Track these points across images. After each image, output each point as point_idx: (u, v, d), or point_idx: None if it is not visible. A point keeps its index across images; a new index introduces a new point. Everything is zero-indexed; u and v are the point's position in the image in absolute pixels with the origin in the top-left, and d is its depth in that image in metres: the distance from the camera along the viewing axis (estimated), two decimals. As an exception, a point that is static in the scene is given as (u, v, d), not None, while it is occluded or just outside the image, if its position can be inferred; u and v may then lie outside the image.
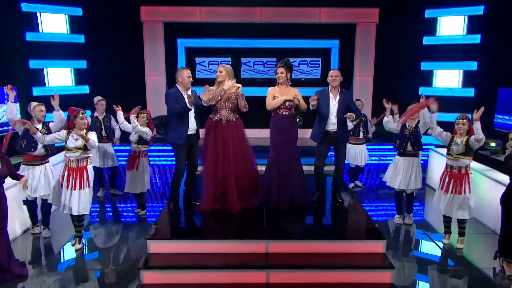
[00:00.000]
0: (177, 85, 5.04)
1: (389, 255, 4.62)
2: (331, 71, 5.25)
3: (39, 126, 5.23)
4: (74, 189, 4.79)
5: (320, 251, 4.46)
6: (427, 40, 8.82)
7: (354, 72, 9.14)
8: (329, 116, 5.19)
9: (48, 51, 8.10)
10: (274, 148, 5.19)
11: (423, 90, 8.61)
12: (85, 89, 8.74)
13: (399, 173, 5.72)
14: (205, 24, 8.95)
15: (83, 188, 4.82)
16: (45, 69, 8.26)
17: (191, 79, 5.01)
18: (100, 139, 6.51)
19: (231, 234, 4.66)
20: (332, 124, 5.23)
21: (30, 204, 5.43)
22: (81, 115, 4.81)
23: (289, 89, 5.15)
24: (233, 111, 5.08)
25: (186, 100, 4.89)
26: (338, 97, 5.21)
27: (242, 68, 9.27)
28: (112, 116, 6.70)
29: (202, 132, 5.22)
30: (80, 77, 8.71)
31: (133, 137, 5.91)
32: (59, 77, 8.47)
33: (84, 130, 4.77)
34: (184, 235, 4.73)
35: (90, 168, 4.89)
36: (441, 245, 5.36)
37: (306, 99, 5.17)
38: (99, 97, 6.76)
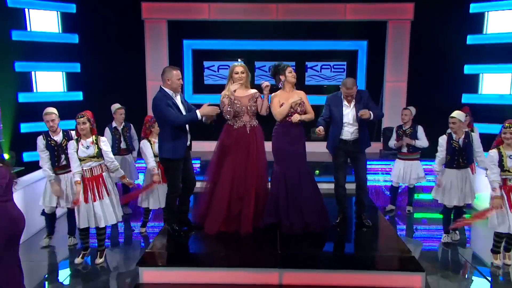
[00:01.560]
0: (163, 88, 4.82)
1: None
2: (345, 85, 5.13)
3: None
4: (94, 200, 4.90)
5: (343, 283, 4.32)
6: (472, 39, 8.61)
7: (385, 77, 9.06)
8: (344, 125, 5.19)
9: (37, 52, 8.09)
10: (279, 162, 5.11)
11: (467, 98, 8.41)
12: (78, 96, 8.73)
13: (453, 188, 5.59)
14: (214, 22, 8.96)
15: (103, 198, 4.92)
16: (33, 73, 8.26)
17: (182, 82, 4.87)
18: (119, 151, 6.60)
19: (238, 261, 4.52)
20: (348, 132, 5.22)
21: (51, 216, 5.65)
22: (78, 119, 4.85)
23: (295, 92, 5.13)
24: (254, 115, 5.07)
25: (201, 111, 4.75)
26: (353, 102, 5.19)
27: (256, 73, 9.24)
28: (131, 125, 6.78)
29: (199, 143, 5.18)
30: (72, 82, 8.70)
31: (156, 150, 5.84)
32: (49, 81, 8.45)
33: (93, 137, 4.88)
34: (183, 261, 4.62)
35: (106, 175, 5.03)
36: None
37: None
38: (117, 105, 6.74)
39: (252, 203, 4.98)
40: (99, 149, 4.90)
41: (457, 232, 5.88)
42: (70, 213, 5.54)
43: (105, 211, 4.98)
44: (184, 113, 4.83)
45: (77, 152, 4.86)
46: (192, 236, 5.16)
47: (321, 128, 5.06)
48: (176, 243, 5.01)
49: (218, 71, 9.37)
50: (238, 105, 4.97)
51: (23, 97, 7.99)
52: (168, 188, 5.03)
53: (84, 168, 4.88)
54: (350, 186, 5.63)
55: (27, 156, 7.72)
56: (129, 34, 8.81)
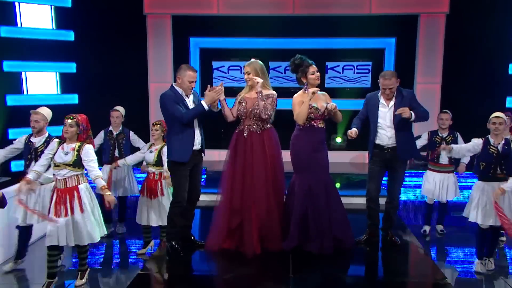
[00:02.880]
0: (174, 86, 4.86)
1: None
2: (383, 81, 5.00)
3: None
4: (65, 215, 4.58)
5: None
6: (518, 34, 8.45)
7: (416, 78, 8.95)
8: (382, 127, 5.07)
9: (28, 51, 8.08)
10: (302, 172, 4.97)
11: (512, 101, 8.19)
12: (74, 99, 8.70)
13: (489, 204, 5.18)
14: (223, 18, 8.94)
15: (73, 214, 4.60)
16: (23, 73, 8.24)
17: (194, 85, 4.82)
18: (112, 160, 6.39)
19: (244, 286, 4.37)
20: (387, 137, 5.07)
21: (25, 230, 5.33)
22: (65, 119, 4.65)
23: (319, 94, 5.02)
24: (260, 120, 4.95)
25: (204, 99, 4.68)
26: (392, 102, 5.04)
27: (270, 74, 9.00)
28: (131, 132, 6.56)
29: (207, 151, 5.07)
30: (67, 83, 8.67)
31: (150, 158, 5.72)
32: (41, 83, 8.41)
33: (77, 144, 4.63)
34: (182, 286, 4.50)
35: (83, 188, 4.69)
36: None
37: (353, 114, 5.17)
38: (116, 107, 6.58)
39: (253, 216, 4.84)
40: (78, 158, 4.62)
41: (491, 260, 5.45)
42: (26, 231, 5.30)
43: (77, 229, 4.63)
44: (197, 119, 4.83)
45: (54, 155, 4.64)
46: (194, 256, 5.03)
47: (353, 130, 4.96)
48: (174, 264, 4.86)
49: (228, 73, 9.33)
50: (243, 107, 4.91)
51: (12, 100, 7.94)
52: (173, 198, 4.92)
53: (58, 178, 4.62)
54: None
55: (15, 166, 7.63)
56: (129, 31, 8.77)
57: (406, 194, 7.29)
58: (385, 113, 5.03)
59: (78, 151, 4.60)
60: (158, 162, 5.57)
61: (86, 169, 4.64)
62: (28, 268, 5.34)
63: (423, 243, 6.25)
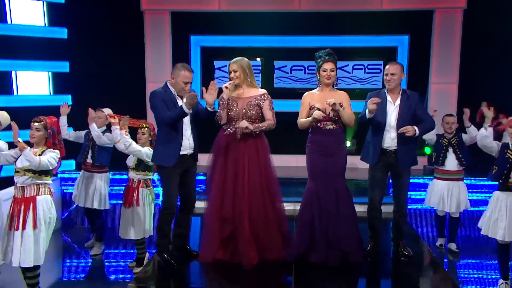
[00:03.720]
0: (168, 85, 4.77)
1: None
2: (387, 67, 4.97)
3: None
4: (16, 229, 4.32)
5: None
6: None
7: (430, 78, 8.80)
8: (385, 128, 4.92)
9: (19, 49, 7.97)
10: (312, 177, 4.90)
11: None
12: (67, 100, 8.19)
13: (501, 218, 4.89)
14: (226, 14, 8.84)
15: (24, 229, 4.31)
16: (13, 73, 8.13)
17: (189, 87, 4.70)
18: (83, 162, 6.26)
19: None
20: (390, 139, 4.94)
21: None
22: (32, 123, 4.49)
23: (334, 93, 4.90)
24: (254, 121, 4.85)
25: (184, 102, 4.52)
26: (398, 101, 4.95)
27: (275, 74, 9.12)
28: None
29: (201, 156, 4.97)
30: (60, 83, 8.55)
31: (130, 161, 5.56)
32: (33, 83, 8.30)
33: (42, 148, 4.45)
34: None
35: (42, 200, 4.43)
36: None
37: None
38: (102, 108, 6.40)
39: (245, 225, 4.74)
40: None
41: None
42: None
43: (24, 248, 4.33)
44: (188, 117, 4.69)
45: (16, 159, 4.43)
46: (187, 268, 4.93)
47: (375, 99, 4.72)
48: (166, 277, 4.76)
49: (231, 73, 9.07)
50: (234, 108, 4.80)
51: (1, 101, 7.75)
52: (162, 204, 4.81)
53: (18, 185, 4.38)
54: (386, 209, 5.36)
55: (3, 171, 7.38)
56: (126, 28, 8.64)
57: (421, 203, 7.08)
58: (391, 111, 4.91)
59: (40, 155, 4.38)
60: (138, 166, 5.40)
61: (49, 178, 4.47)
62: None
63: (439, 256, 6.12)
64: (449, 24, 8.56)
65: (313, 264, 4.75)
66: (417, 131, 4.72)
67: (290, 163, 8.35)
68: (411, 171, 5.07)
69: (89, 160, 6.22)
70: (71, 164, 7.83)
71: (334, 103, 4.55)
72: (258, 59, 9.13)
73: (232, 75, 4.82)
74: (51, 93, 8.52)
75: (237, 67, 4.81)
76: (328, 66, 4.78)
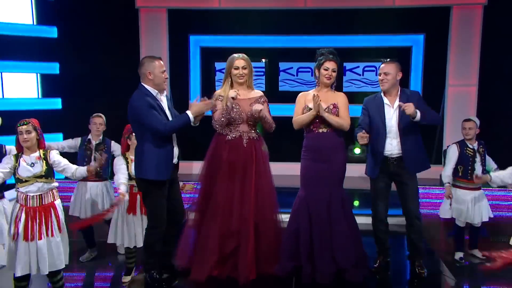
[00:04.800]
0: (144, 85, 4.41)
1: None
2: (381, 65, 4.76)
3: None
4: (40, 238, 4.39)
5: None
6: None
7: (447, 80, 8.66)
8: (386, 134, 4.71)
9: (5, 49, 7.87)
10: (303, 184, 4.78)
11: None
12: (56, 103, 8.49)
13: None
14: (227, 13, 8.79)
15: (53, 235, 4.44)
16: None
17: (167, 75, 4.42)
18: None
19: None
20: (391, 145, 4.72)
21: None
22: (20, 127, 4.36)
23: (332, 94, 4.77)
24: (255, 125, 4.78)
25: (191, 110, 4.29)
26: (397, 103, 4.71)
27: (280, 77, 9.00)
28: (113, 143, 6.19)
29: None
30: (49, 86, 8.48)
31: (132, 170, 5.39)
32: (20, 85, 8.19)
33: (41, 151, 4.42)
34: None
35: (59, 204, 4.56)
36: None
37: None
38: (98, 114, 6.24)
39: (251, 239, 4.61)
40: (48, 166, 4.41)
41: None
42: None
43: (51, 253, 4.42)
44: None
45: (17, 170, 4.37)
46: (177, 286, 4.71)
47: (363, 133, 4.60)
48: None
49: None
50: (237, 110, 4.60)
51: (-15, 104, 7.70)
52: (148, 222, 4.56)
53: (30, 195, 4.37)
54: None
55: None
56: (120, 26, 8.59)
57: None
58: (391, 115, 4.70)
59: (45, 158, 4.43)
60: None
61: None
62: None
63: (457, 276, 5.65)
64: (467, 21, 8.45)
65: (320, 282, 4.58)
66: (418, 114, 4.43)
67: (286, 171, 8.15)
68: (417, 179, 4.84)
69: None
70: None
71: (313, 95, 4.41)
72: (263, 60, 9.03)
73: (240, 71, 4.61)
74: (40, 96, 8.42)
75: (246, 64, 4.64)
76: (331, 65, 4.60)
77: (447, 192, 5.58)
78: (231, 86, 4.66)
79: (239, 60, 4.62)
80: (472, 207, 5.88)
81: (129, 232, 5.21)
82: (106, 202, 6.14)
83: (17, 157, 4.42)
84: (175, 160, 4.53)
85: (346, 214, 4.73)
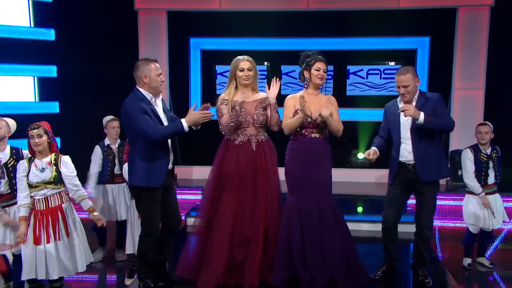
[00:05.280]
0: (138, 88, 4.38)
1: None
2: (396, 77, 4.61)
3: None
4: (48, 242, 4.44)
5: None
6: None
7: (453, 83, 8.60)
8: (400, 139, 4.64)
9: (1, 52, 7.86)
10: (292, 190, 4.64)
11: None
12: (54, 107, 8.44)
13: None
14: (227, 14, 8.72)
15: (59, 239, 4.48)
16: None
17: (163, 78, 4.38)
18: (113, 178, 6.15)
19: None
20: (407, 152, 4.62)
21: None
22: (31, 130, 4.42)
23: (322, 97, 4.67)
24: (262, 127, 4.71)
25: (187, 119, 4.23)
26: (412, 106, 4.55)
27: (283, 80, 8.87)
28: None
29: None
30: (47, 89, 8.44)
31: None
32: (16, 88, 8.15)
33: (52, 156, 4.46)
34: None
35: (68, 206, 4.62)
36: None
37: (379, 126, 4.86)
38: (109, 117, 6.32)
39: (259, 247, 4.55)
40: (58, 173, 4.43)
41: None
42: (17, 261, 4.97)
43: (60, 258, 4.49)
44: (166, 124, 4.42)
45: (27, 175, 4.40)
46: None
47: (371, 151, 4.64)
48: None
49: None
50: (244, 113, 4.52)
51: (-19, 108, 7.60)
52: (141, 229, 4.48)
53: (37, 198, 4.42)
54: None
55: None
56: (118, 29, 8.53)
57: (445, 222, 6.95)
58: (405, 121, 4.61)
59: (56, 164, 4.48)
60: None
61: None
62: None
63: (462, 285, 5.72)
64: (474, 23, 8.38)
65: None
66: (422, 116, 4.30)
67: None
68: (439, 187, 4.73)
69: (117, 172, 6.16)
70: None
71: (300, 97, 4.33)
72: (266, 63, 8.97)
73: (246, 73, 4.54)
74: (37, 99, 8.37)
75: (252, 66, 4.58)
76: (321, 65, 4.51)
77: (485, 201, 5.55)
78: (236, 88, 4.61)
79: (245, 61, 4.57)
80: (488, 212, 5.86)
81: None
82: (128, 203, 6.17)
83: (30, 161, 4.48)
84: (170, 166, 4.47)
85: (339, 222, 4.65)
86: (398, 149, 4.66)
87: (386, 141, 4.83)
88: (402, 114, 4.55)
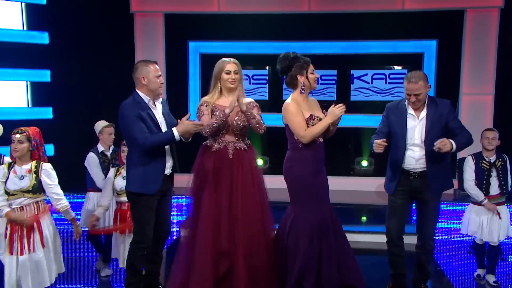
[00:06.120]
0: (138, 92, 4.40)
1: None
2: (407, 85, 4.49)
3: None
4: (21, 253, 4.35)
5: None
6: None
7: (461, 88, 8.53)
8: (406, 146, 4.52)
9: None
10: (305, 201, 4.48)
11: None
12: (47, 113, 8.36)
13: None
14: (227, 18, 8.70)
15: (33, 251, 4.38)
16: None
17: (162, 81, 4.42)
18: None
19: None
20: (414, 159, 4.51)
21: None
22: (13, 135, 4.32)
23: (313, 100, 4.72)
24: (243, 134, 4.59)
25: (178, 128, 4.21)
26: (423, 113, 4.54)
27: (284, 85, 8.70)
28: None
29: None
30: (40, 94, 8.37)
31: (119, 185, 5.37)
32: (8, 93, 8.08)
33: (33, 163, 4.36)
34: None
35: (46, 217, 4.52)
36: None
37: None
38: (102, 122, 6.24)
39: (240, 260, 4.40)
40: (38, 181, 4.32)
41: None
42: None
43: (35, 270, 4.38)
44: (165, 129, 4.36)
45: (6, 182, 4.31)
46: None
47: (383, 139, 4.42)
48: None
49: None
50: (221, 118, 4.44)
51: (-29, 113, 7.53)
52: (133, 236, 4.44)
53: (13, 206, 4.32)
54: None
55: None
56: (114, 32, 8.52)
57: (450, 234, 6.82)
58: (414, 126, 4.51)
59: (36, 172, 4.38)
60: None
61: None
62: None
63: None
64: (483, 26, 8.32)
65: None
66: (454, 145, 4.25)
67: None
68: (441, 197, 4.64)
69: None
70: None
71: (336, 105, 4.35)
72: (267, 68, 8.96)
73: (232, 76, 4.43)
74: (30, 105, 8.30)
75: (238, 69, 4.48)
76: (313, 68, 4.51)
77: (490, 207, 5.39)
78: (220, 93, 4.51)
79: (231, 64, 4.48)
80: (488, 224, 5.68)
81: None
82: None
83: (10, 166, 4.39)
84: (167, 171, 4.44)
85: (342, 230, 4.65)
86: (403, 155, 4.52)
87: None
88: (409, 117, 4.50)
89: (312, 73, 4.47)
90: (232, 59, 4.52)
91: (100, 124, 6.16)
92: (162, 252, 4.77)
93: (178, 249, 4.85)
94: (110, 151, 6.11)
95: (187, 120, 4.22)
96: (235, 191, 4.48)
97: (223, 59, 4.53)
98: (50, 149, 7.63)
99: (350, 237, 6.11)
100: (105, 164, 6.05)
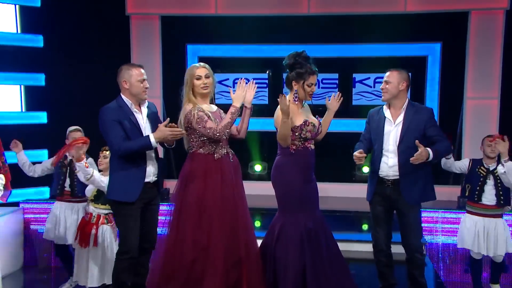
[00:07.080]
0: (121, 95, 4.40)
1: None
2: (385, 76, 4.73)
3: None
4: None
5: None
6: None
7: (465, 92, 8.37)
8: (382, 152, 4.54)
9: None
10: (294, 208, 4.46)
11: None
12: (42, 117, 8.33)
13: None
14: (225, 20, 8.67)
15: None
16: None
17: (147, 85, 4.39)
18: (61, 193, 5.87)
19: None
20: (387, 166, 4.53)
21: None
22: None
23: (306, 110, 4.67)
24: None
25: (155, 134, 4.22)
26: (400, 118, 4.54)
27: (285, 89, 8.66)
28: (90, 158, 5.91)
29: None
30: (34, 98, 8.33)
31: (89, 192, 5.30)
32: (2, 98, 8.06)
33: None
34: None
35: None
36: None
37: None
38: (72, 127, 6.13)
39: (245, 265, 4.39)
40: None
41: None
42: None
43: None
44: (147, 134, 4.33)
45: None
46: None
47: (360, 150, 4.51)
48: None
49: (233, 87, 8.81)
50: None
51: (-37, 118, 7.60)
52: (119, 246, 4.45)
53: None
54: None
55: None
56: (110, 35, 8.51)
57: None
58: (390, 131, 4.52)
59: None
60: (98, 198, 5.13)
61: None
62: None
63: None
64: (487, 28, 8.21)
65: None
66: (431, 155, 4.22)
67: (329, 192, 7.84)
68: (421, 205, 4.64)
69: (67, 188, 5.87)
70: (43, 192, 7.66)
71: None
72: (267, 71, 8.99)
73: (204, 81, 4.38)
74: (23, 109, 8.26)
75: (210, 73, 4.43)
76: (314, 80, 4.45)
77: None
78: (195, 99, 4.44)
79: (201, 68, 4.43)
80: (484, 237, 5.55)
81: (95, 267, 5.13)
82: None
83: None
84: (149, 179, 4.38)
85: (334, 240, 4.62)
86: (379, 162, 4.55)
87: (367, 147, 4.70)
88: (386, 122, 4.53)
89: (309, 86, 4.43)
90: (202, 63, 4.50)
91: (69, 129, 6.04)
92: (148, 264, 4.68)
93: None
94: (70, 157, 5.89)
95: (164, 126, 4.17)
96: (239, 196, 4.48)
97: (193, 64, 4.53)
98: (44, 154, 7.64)
99: (350, 246, 6.10)
100: (63, 170, 5.85)
